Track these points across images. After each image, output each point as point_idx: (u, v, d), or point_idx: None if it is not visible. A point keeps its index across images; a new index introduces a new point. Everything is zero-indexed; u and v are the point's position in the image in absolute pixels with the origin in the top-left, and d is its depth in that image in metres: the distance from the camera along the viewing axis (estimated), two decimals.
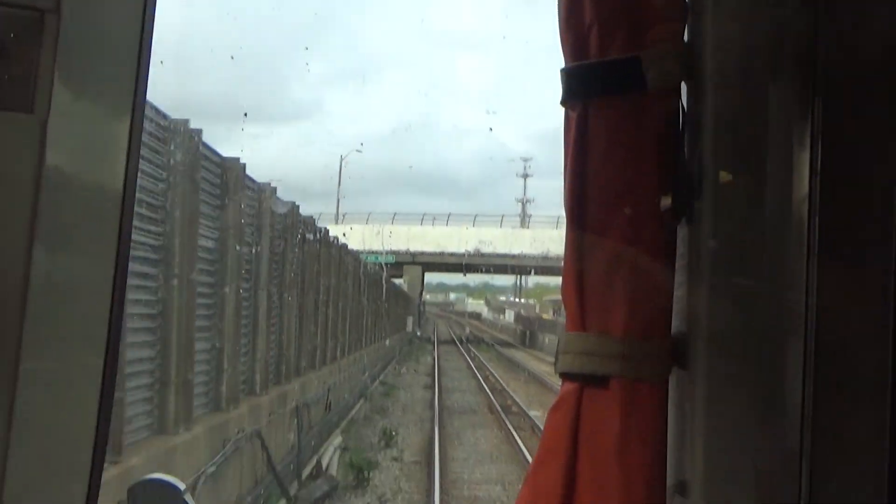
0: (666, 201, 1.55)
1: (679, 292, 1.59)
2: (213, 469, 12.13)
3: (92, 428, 1.43)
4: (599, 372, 1.54)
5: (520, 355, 54.51)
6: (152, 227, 11.73)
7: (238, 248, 15.23)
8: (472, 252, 62.25)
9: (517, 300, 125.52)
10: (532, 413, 24.35)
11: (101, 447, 1.45)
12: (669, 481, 1.58)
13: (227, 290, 14.81)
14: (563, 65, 1.62)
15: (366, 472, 16.50)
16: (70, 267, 1.42)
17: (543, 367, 39.76)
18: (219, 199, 14.53)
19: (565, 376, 1.60)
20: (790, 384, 1.47)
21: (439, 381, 33.07)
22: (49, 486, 1.42)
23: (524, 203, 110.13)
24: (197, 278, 13.32)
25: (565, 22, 1.61)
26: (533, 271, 68.70)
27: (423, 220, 68.40)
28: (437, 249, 63.05)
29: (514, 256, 61.24)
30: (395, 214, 67.56)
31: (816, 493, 1.45)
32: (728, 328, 1.52)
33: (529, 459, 15.31)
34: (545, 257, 59.67)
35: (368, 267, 35.01)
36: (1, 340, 1.29)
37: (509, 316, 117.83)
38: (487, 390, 31.83)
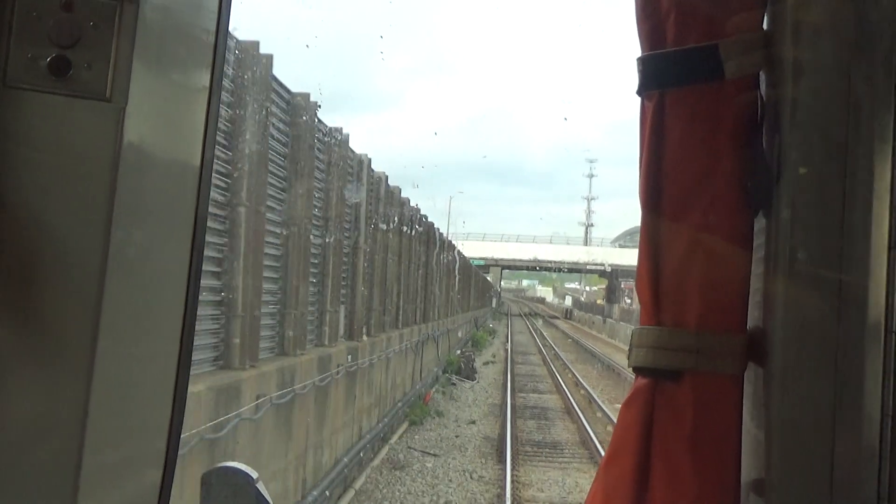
0: (743, 192, 1.55)
1: (755, 285, 1.58)
2: (447, 329, 45.07)
3: (168, 408, 1.46)
4: (673, 366, 1.54)
5: (556, 322, 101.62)
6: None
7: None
8: (531, 259, 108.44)
9: (579, 287, 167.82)
10: (545, 333, 71.12)
11: (176, 436, 1.48)
12: (744, 479, 1.56)
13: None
14: (639, 53, 1.61)
15: (488, 337, 62.39)
16: (147, 253, 1.43)
17: (560, 324, 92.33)
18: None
19: (638, 371, 1.59)
20: (870, 380, 1.46)
21: (511, 326, 79.49)
22: (126, 472, 1.46)
23: (587, 227, 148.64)
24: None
25: (642, 10, 1.61)
26: (567, 269, 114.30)
27: (502, 238, 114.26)
28: (510, 256, 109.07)
29: (559, 262, 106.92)
30: (484, 235, 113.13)
31: None
32: (806, 323, 1.49)
33: (540, 346, 60.69)
34: (576, 262, 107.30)
35: (472, 267, 74.29)
36: (79, 321, 1.32)
37: (568, 301, 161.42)
38: (531, 329, 79.15)
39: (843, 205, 1.47)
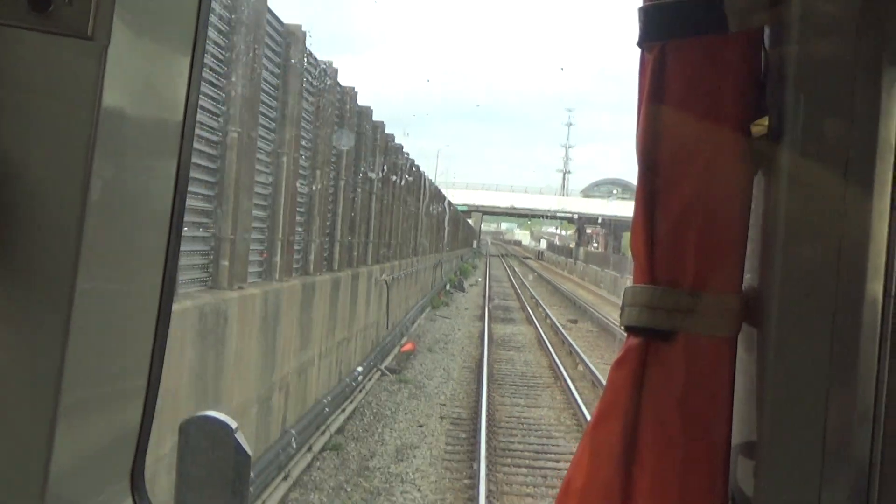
0: (744, 150, 1.52)
1: (753, 245, 1.55)
2: (446, 260, 68.98)
3: (149, 345, 1.45)
4: (666, 326, 1.51)
5: (528, 262, 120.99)
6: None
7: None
8: (508, 206, 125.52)
9: (556, 231, 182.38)
10: (517, 269, 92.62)
11: (157, 374, 1.46)
12: (735, 441, 1.56)
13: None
14: (640, 3, 1.57)
15: (472, 269, 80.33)
16: (128, 193, 1.39)
17: (532, 263, 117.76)
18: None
19: (630, 330, 1.56)
20: (865, 344, 1.45)
21: (489, 262, 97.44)
22: (104, 410, 1.45)
23: (564, 174, 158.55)
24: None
25: None
26: (539, 215, 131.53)
27: (482, 186, 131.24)
28: (490, 203, 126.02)
29: (533, 209, 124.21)
30: (467, 184, 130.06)
31: (889, 458, 1.42)
32: (803, 284, 1.46)
33: (510, 276, 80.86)
34: (547, 210, 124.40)
35: (459, 214, 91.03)
36: (59, 260, 1.29)
37: (543, 244, 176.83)
38: (505, 266, 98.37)
39: (845, 165, 1.44)
